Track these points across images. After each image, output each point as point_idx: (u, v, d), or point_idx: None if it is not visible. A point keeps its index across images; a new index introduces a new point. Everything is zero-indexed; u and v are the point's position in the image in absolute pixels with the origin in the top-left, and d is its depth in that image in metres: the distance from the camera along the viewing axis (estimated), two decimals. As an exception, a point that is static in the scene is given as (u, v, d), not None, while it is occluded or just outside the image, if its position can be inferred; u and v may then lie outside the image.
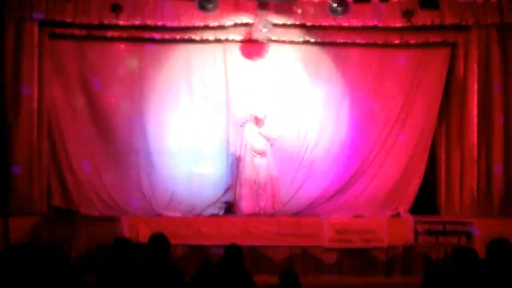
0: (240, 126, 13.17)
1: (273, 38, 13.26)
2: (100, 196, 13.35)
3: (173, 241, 7.37)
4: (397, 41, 13.52)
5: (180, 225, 12.40)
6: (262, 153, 13.11)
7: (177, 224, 12.40)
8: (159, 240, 6.38)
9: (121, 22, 12.66)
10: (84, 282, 1.78)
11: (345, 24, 13.02)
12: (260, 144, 13.10)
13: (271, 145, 13.18)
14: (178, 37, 13.35)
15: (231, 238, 10.56)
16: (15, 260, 1.74)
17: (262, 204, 13.01)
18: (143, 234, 11.15)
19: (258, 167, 13.07)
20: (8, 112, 12.13)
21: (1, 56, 11.15)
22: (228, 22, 13.09)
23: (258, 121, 13.16)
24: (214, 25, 13.10)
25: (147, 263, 6.24)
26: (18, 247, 1.83)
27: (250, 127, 13.13)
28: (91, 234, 12.22)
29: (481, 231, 12.00)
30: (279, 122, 13.58)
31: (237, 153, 13.21)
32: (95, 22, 12.68)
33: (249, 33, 13.17)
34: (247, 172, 13.08)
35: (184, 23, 12.95)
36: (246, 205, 13.06)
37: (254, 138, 13.10)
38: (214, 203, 13.47)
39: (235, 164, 13.34)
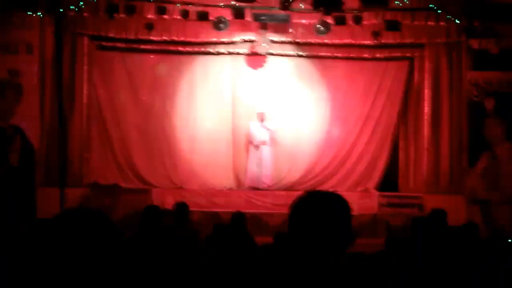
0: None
1: (271, 52, 13.17)
2: (135, 173, 13.27)
3: (192, 208, 7.35)
4: (366, 55, 13.44)
5: (197, 196, 12.36)
6: (263, 143, 13.00)
7: (195, 195, 12.34)
8: (181, 207, 6.39)
9: (152, 38, 12.55)
10: (123, 239, 1.73)
11: (327, 41, 12.94)
12: (261, 135, 12.99)
13: (271, 136, 13.04)
14: (197, 50, 13.25)
15: (237, 207, 10.37)
16: (69, 221, 1.69)
17: (262, 180, 13.00)
18: (168, 203, 11.06)
19: (260, 153, 12.97)
20: (65, 106, 12.08)
21: (60, 63, 11.11)
22: (236, 38, 13.00)
23: (260, 117, 13.01)
24: (225, 41, 13.02)
25: (172, 225, 6.21)
26: (71, 211, 1.77)
27: (254, 123, 12.99)
28: (128, 202, 12.14)
29: (430, 204, 11.91)
30: (277, 118, 13.41)
31: (245, 143, 13.14)
32: (132, 37, 12.60)
33: (253, 47, 13.08)
34: (252, 156, 13.00)
35: (202, 39, 12.87)
36: (250, 180, 13.04)
37: (257, 131, 12.98)
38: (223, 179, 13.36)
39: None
